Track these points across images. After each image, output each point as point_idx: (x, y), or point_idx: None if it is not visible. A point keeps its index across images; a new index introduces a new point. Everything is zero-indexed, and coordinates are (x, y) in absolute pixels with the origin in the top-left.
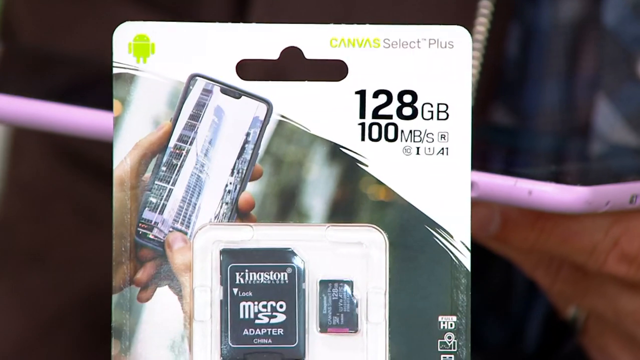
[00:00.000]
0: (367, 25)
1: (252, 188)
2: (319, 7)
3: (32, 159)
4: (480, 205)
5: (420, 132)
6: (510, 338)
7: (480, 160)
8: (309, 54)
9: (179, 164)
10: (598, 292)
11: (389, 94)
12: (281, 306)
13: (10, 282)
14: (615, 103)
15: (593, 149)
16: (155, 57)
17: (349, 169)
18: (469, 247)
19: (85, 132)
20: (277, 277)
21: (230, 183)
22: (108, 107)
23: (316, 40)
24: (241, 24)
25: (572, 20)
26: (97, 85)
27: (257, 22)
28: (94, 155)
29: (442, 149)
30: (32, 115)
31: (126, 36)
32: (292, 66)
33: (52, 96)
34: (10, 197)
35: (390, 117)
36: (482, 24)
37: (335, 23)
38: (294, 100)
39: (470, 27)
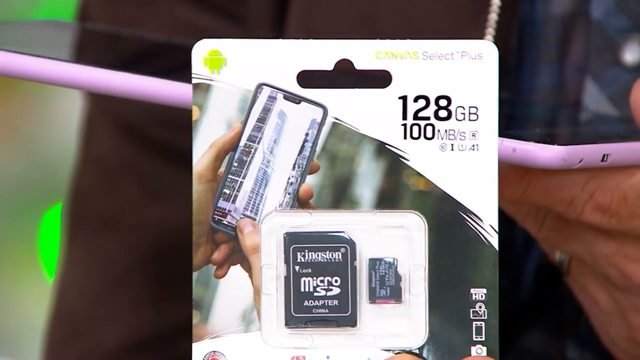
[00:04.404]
0: (408, 40)
1: (311, 180)
2: (348, 8)
3: (103, 138)
4: None
5: (454, 131)
6: (510, 285)
7: None
8: (358, 65)
9: (248, 160)
10: (577, 238)
11: (427, 99)
12: (336, 281)
13: (84, 245)
14: (600, 85)
15: (580, 118)
16: (226, 69)
17: (393, 163)
18: (497, 229)
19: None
20: (332, 256)
21: (292, 176)
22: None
23: (364, 53)
24: (301, 40)
25: (563, 14)
26: (160, 53)
27: (294, 19)
28: (157, 135)
29: (473, 145)
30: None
31: (201, 51)
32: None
33: (122, 65)
34: (84, 171)
35: (428, 118)
36: (492, 19)
37: (360, 18)
38: (346, 105)
39: (482, 22)
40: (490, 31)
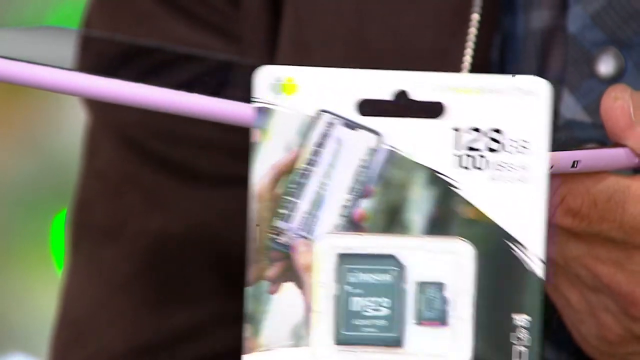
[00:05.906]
0: (463, 74)
1: (365, 204)
2: (338, 22)
3: (106, 151)
4: None
5: (505, 163)
6: None
7: None
8: (414, 96)
9: (305, 182)
10: (549, 240)
11: (479, 131)
12: (385, 302)
13: (87, 254)
14: (576, 96)
15: (557, 124)
16: (295, 95)
17: (444, 192)
18: (543, 260)
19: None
20: (382, 278)
21: (347, 200)
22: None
23: (420, 85)
24: (362, 70)
25: (541, 28)
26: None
27: (286, 34)
28: (157, 147)
29: (523, 177)
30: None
31: (270, 77)
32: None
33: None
34: (88, 182)
35: (479, 150)
36: (472, 32)
37: (349, 32)
38: (401, 133)
39: (462, 35)
40: (471, 45)
